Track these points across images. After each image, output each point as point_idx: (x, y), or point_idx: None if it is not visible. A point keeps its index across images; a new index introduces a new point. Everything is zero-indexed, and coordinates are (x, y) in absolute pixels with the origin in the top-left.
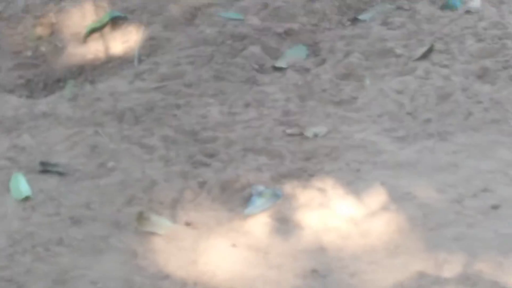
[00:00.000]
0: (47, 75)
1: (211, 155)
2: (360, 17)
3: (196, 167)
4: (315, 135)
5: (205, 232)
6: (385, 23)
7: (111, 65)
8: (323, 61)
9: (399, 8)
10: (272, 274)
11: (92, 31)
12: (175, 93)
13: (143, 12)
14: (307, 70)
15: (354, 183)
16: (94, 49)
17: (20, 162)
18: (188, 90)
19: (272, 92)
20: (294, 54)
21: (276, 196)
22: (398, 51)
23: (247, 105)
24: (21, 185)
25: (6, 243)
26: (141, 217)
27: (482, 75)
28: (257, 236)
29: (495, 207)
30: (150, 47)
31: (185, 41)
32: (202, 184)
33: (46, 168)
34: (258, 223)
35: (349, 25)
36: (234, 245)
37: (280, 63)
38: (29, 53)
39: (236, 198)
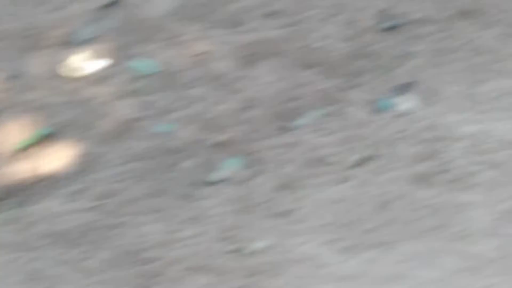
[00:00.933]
0: None
1: (152, 277)
2: (293, 124)
3: None
4: (256, 251)
5: None
6: (317, 130)
7: (43, 184)
8: (259, 172)
9: (330, 114)
10: None
11: (22, 149)
12: (111, 213)
13: (73, 128)
14: (243, 182)
15: None
16: (25, 169)
17: None
18: (124, 209)
19: (209, 207)
20: (229, 166)
21: None
22: (333, 159)
23: (184, 222)
24: None
25: None
26: None
27: (419, 181)
28: None
29: None
30: (82, 165)
31: (117, 157)
32: None
33: None
34: None
35: (282, 133)
36: None
37: (215, 177)
38: None
39: None
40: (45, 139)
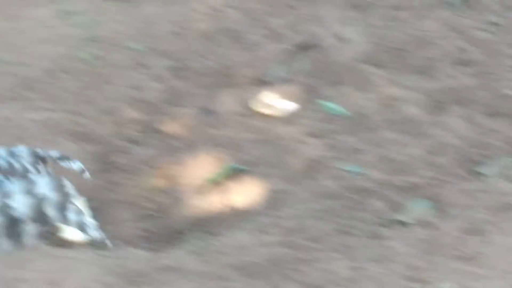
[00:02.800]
0: (166, 227)
1: None
2: (482, 170)
3: None
4: None
5: None
6: (506, 177)
7: (232, 218)
8: (446, 216)
9: None
10: None
11: (212, 182)
12: (300, 248)
13: (262, 165)
14: (430, 224)
15: None
16: (214, 201)
17: None
18: (313, 245)
19: (395, 246)
20: (417, 208)
21: None
22: None
23: (372, 260)
24: None
25: None
26: None
27: None
28: None
29: None
30: (271, 201)
31: (305, 194)
32: None
33: None
34: None
35: (469, 179)
36: None
37: (403, 217)
38: (147, 204)
39: None
40: (235, 173)
